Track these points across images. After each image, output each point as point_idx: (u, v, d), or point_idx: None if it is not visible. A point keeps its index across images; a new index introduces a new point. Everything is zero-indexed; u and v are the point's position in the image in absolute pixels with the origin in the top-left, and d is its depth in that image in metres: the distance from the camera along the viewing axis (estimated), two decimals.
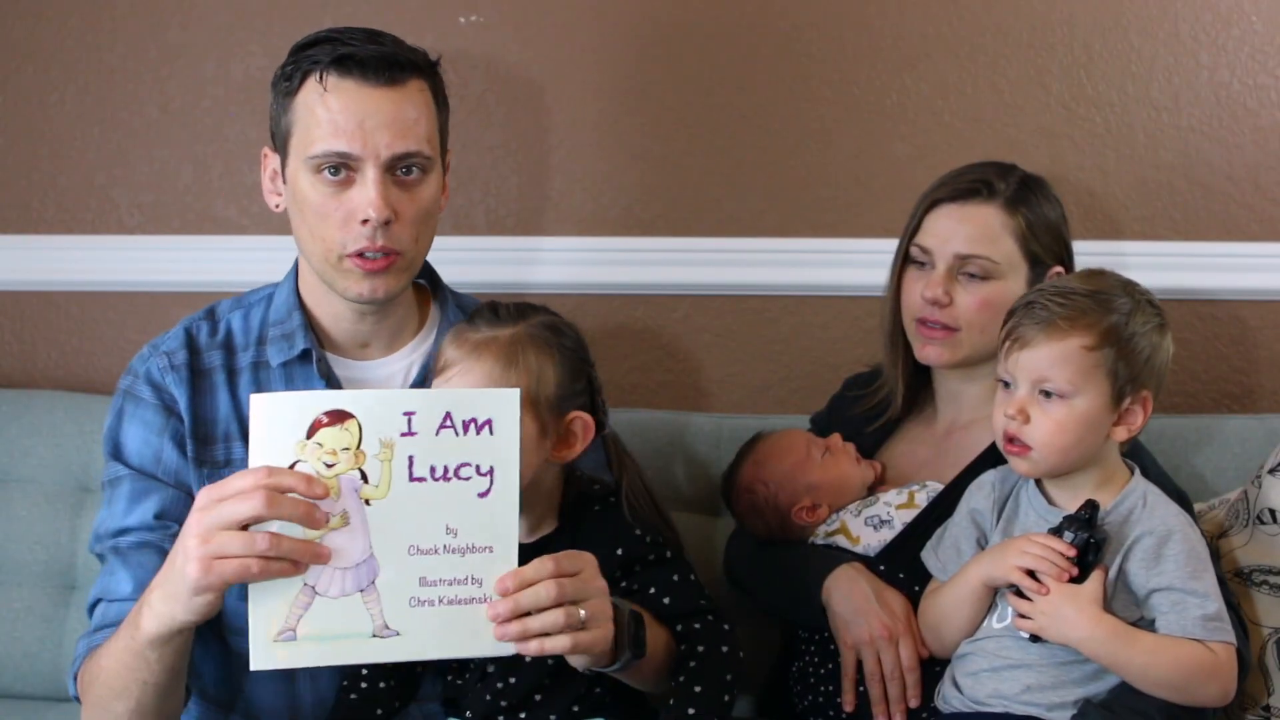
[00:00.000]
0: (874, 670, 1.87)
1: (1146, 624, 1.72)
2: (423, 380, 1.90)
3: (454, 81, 2.45)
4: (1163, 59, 2.41)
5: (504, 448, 1.55)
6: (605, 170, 2.47)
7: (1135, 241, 2.43)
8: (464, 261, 2.46)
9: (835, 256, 2.46)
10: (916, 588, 1.90)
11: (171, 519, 1.84)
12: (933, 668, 1.87)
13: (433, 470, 1.54)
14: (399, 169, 1.79)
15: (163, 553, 1.80)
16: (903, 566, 1.92)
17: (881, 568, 1.94)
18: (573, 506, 1.78)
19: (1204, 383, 2.47)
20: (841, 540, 1.99)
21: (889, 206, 2.40)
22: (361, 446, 1.53)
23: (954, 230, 1.97)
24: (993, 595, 1.78)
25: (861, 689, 1.89)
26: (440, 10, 2.45)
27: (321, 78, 1.77)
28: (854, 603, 1.89)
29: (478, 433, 1.55)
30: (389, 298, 1.84)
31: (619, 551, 1.73)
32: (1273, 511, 1.98)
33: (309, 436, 1.53)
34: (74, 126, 2.50)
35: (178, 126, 2.48)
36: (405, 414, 1.54)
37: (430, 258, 2.47)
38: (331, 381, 1.87)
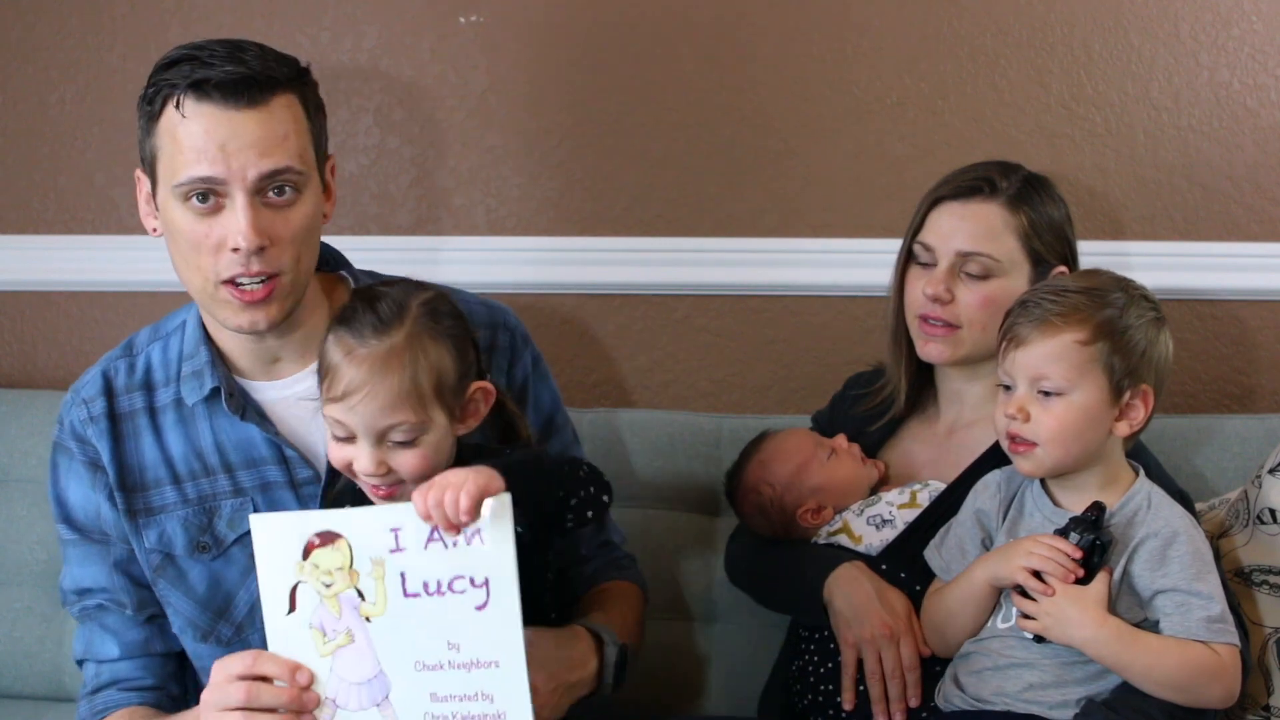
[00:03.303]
0: (874, 669, 1.86)
1: (1150, 625, 1.72)
2: None
3: (454, 81, 2.47)
4: (1163, 59, 2.41)
5: (498, 557, 1.52)
6: (605, 170, 2.47)
7: (1135, 241, 2.43)
8: (464, 262, 2.46)
9: (835, 256, 2.46)
10: (918, 587, 1.90)
11: (122, 572, 1.86)
12: (933, 667, 1.87)
13: (425, 585, 1.55)
14: (270, 190, 1.71)
15: (131, 619, 1.86)
16: (904, 565, 1.92)
17: (883, 567, 1.94)
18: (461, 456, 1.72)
19: (1204, 383, 2.47)
20: (844, 539, 1.99)
21: (889, 206, 2.40)
22: (354, 565, 1.56)
23: (956, 228, 1.97)
24: (997, 596, 1.78)
25: (861, 688, 1.89)
26: (440, 10, 2.45)
27: (179, 104, 1.68)
28: (855, 601, 1.89)
29: (468, 543, 1.53)
30: (272, 326, 1.76)
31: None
32: (1273, 511, 1.98)
33: (305, 558, 1.57)
34: (74, 126, 2.50)
35: None
36: (392, 530, 1.55)
37: (430, 258, 2.48)
38: (248, 414, 1.83)
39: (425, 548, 1.55)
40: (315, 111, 1.79)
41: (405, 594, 1.55)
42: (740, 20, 2.43)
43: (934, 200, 2.01)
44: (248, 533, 1.81)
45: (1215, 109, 2.42)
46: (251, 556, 1.81)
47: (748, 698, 2.21)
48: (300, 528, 1.58)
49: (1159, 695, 1.69)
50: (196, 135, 1.68)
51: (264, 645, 1.83)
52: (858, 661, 1.89)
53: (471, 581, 1.53)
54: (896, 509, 1.98)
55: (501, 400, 1.76)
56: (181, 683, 1.90)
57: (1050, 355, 1.74)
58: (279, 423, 1.85)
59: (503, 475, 1.55)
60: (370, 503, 1.71)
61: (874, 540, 1.97)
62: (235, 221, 1.69)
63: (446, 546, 1.54)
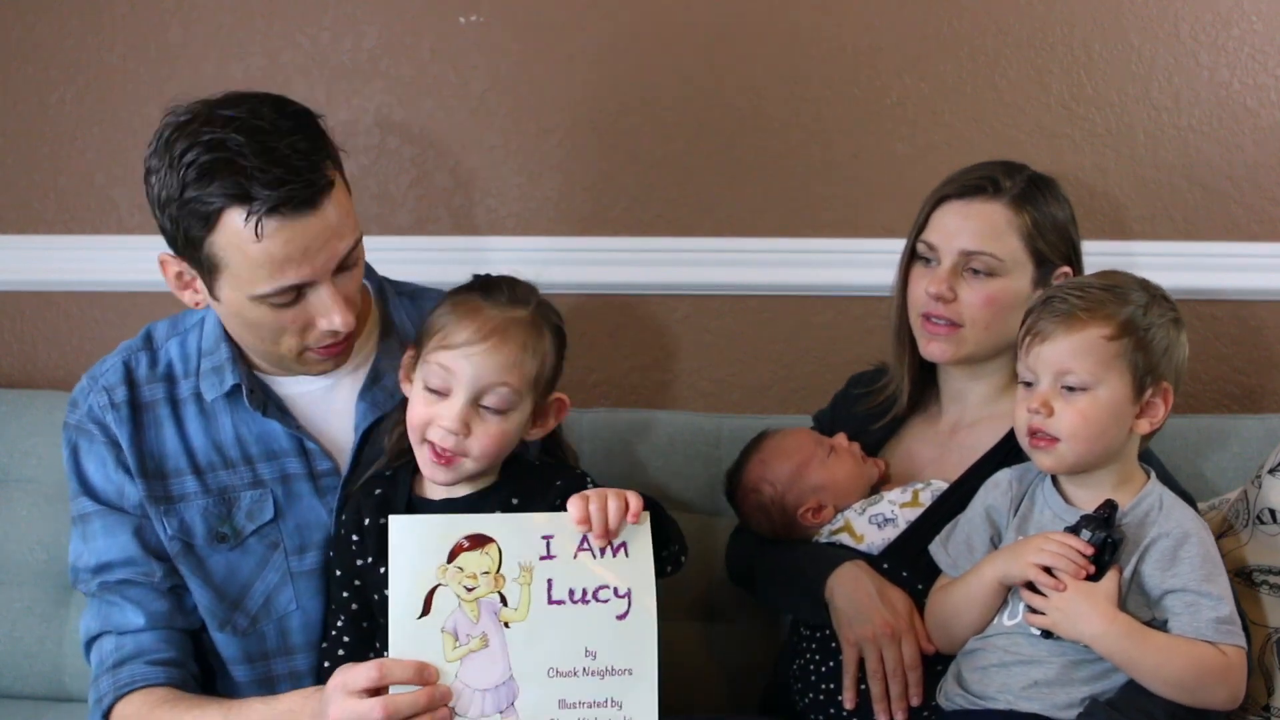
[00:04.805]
0: (876, 668, 1.87)
1: (1159, 625, 1.72)
2: (372, 383, 1.89)
3: (454, 82, 2.47)
4: (1163, 59, 2.41)
5: (640, 570, 1.63)
6: (605, 170, 2.47)
7: (1135, 241, 2.43)
8: (464, 262, 2.44)
9: (835, 256, 2.46)
10: (920, 586, 1.90)
11: (151, 549, 1.85)
12: (934, 666, 1.87)
13: (571, 593, 1.62)
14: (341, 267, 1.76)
15: (154, 588, 1.84)
16: (906, 564, 1.93)
17: (885, 566, 1.94)
18: (509, 462, 1.80)
19: (1204, 383, 2.47)
20: (845, 538, 1.99)
21: (889, 206, 2.40)
22: (501, 570, 1.61)
23: (959, 227, 1.97)
24: (1005, 594, 1.78)
25: (863, 687, 1.89)
26: (440, 10, 2.45)
27: (256, 229, 1.66)
28: (857, 600, 1.89)
29: (614, 555, 1.62)
30: (338, 367, 1.86)
31: (558, 483, 1.75)
32: (1273, 511, 1.98)
33: (450, 560, 1.60)
34: (74, 126, 2.50)
35: None
36: (544, 538, 1.62)
37: (430, 258, 2.47)
38: (269, 410, 1.85)
39: (575, 557, 1.62)
40: (338, 154, 1.80)
41: (549, 601, 1.61)
42: (740, 20, 2.43)
43: (938, 199, 2.01)
44: (266, 524, 1.84)
45: (1215, 109, 2.42)
46: (269, 548, 1.85)
47: (748, 698, 2.21)
48: (449, 530, 1.63)
49: (1165, 694, 1.69)
50: (276, 250, 1.69)
51: (280, 636, 1.86)
52: (859, 660, 1.89)
53: (615, 592, 1.62)
54: (899, 508, 1.98)
55: (558, 425, 1.86)
56: (199, 662, 1.88)
57: (1076, 350, 1.74)
58: (300, 416, 1.88)
59: None
60: (403, 487, 1.78)
61: (876, 539, 1.97)
62: (325, 307, 1.74)
63: (595, 556, 1.62)
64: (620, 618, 1.61)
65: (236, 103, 1.73)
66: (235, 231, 1.68)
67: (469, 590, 1.60)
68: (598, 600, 1.61)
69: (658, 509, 1.73)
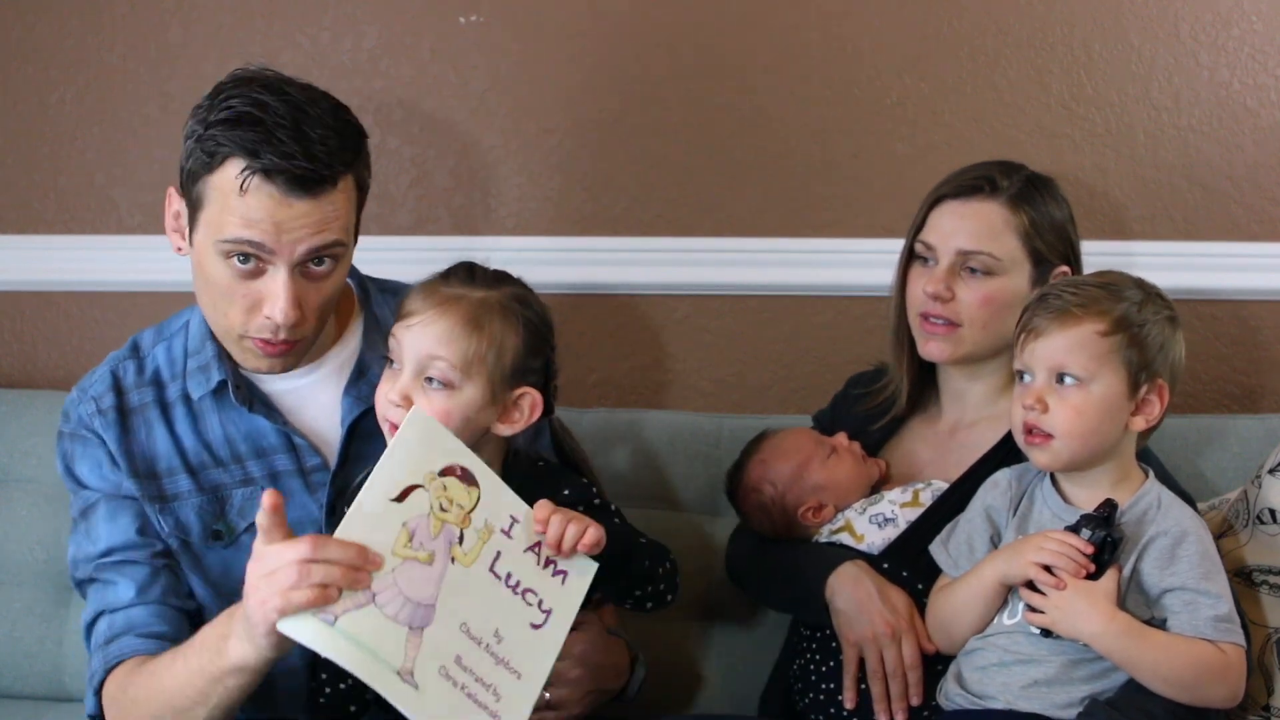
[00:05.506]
0: (876, 668, 1.87)
1: (1158, 624, 1.72)
2: (357, 377, 1.89)
3: (454, 82, 2.47)
4: (1163, 59, 2.41)
5: (568, 602, 1.64)
6: (605, 170, 2.47)
7: (1135, 241, 2.43)
8: None
9: (835, 256, 2.46)
10: (920, 586, 1.90)
11: (151, 534, 1.84)
12: (934, 666, 1.87)
13: (509, 576, 1.62)
14: (311, 261, 1.74)
15: (151, 566, 1.83)
16: (906, 564, 1.93)
17: (885, 566, 1.94)
18: (512, 460, 1.80)
19: (1204, 383, 2.47)
20: (846, 538, 1.99)
21: (889, 206, 2.40)
22: (471, 514, 1.61)
23: (956, 226, 1.97)
24: (1005, 593, 1.78)
25: (863, 687, 1.89)
26: (440, 10, 2.45)
27: (243, 185, 1.69)
28: (857, 600, 1.89)
29: (554, 575, 1.64)
30: (286, 370, 1.85)
31: (566, 492, 1.75)
32: (1273, 511, 1.98)
33: (440, 475, 1.60)
34: (74, 126, 2.50)
35: (177, 126, 2.45)
36: (511, 516, 1.63)
37: (430, 258, 2.47)
38: (255, 406, 1.85)
39: (524, 551, 1.63)
40: (367, 178, 1.81)
41: (491, 569, 1.62)
42: (740, 20, 2.43)
43: (935, 199, 2.01)
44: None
45: (1215, 109, 2.42)
46: None
47: (748, 698, 2.21)
48: (455, 450, 1.63)
49: (1165, 693, 1.69)
50: (254, 209, 1.70)
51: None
52: (859, 660, 1.89)
53: (540, 604, 1.63)
54: (899, 508, 1.98)
55: (552, 424, 1.87)
56: None
57: (1070, 345, 1.75)
58: (287, 412, 1.88)
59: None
60: None
61: (876, 539, 1.97)
62: (274, 292, 1.73)
63: (539, 563, 1.64)
64: (534, 626, 1.62)
65: (304, 88, 1.77)
66: (228, 179, 1.70)
67: (442, 510, 1.60)
68: (524, 599, 1.62)
69: (641, 554, 1.75)
